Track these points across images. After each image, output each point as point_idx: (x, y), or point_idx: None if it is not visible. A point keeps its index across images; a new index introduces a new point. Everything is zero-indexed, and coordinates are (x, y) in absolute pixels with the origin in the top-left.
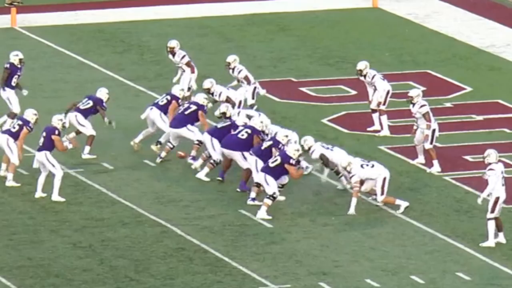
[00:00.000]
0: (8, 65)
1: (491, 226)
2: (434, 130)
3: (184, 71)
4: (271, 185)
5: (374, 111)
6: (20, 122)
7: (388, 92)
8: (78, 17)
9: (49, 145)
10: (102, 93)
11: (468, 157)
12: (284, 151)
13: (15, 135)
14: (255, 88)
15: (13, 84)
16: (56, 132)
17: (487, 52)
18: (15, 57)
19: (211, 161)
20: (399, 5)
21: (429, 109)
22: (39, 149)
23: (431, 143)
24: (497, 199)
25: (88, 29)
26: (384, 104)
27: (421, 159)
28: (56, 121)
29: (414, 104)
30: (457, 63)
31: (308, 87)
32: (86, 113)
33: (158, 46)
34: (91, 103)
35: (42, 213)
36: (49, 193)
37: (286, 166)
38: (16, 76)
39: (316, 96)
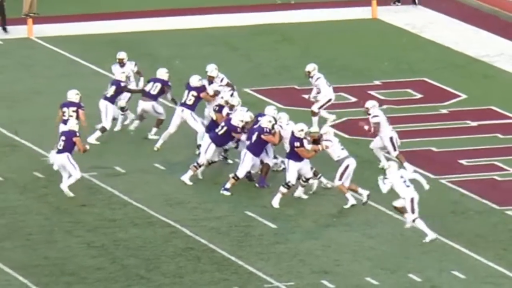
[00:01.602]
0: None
1: (420, 224)
2: (391, 138)
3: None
4: (290, 172)
5: (314, 113)
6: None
7: (329, 100)
8: (92, 27)
9: (70, 147)
10: (163, 73)
11: (463, 161)
12: (292, 136)
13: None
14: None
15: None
16: (77, 134)
17: (481, 61)
18: (122, 75)
19: (195, 163)
20: (397, 16)
21: (383, 119)
22: (60, 152)
23: (394, 150)
24: (412, 199)
25: (101, 39)
26: (320, 108)
27: (383, 162)
28: (74, 125)
29: (370, 115)
30: (453, 71)
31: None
32: (157, 97)
33: (169, 55)
34: (159, 85)
35: (57, 215)
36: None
37: (296, 149)
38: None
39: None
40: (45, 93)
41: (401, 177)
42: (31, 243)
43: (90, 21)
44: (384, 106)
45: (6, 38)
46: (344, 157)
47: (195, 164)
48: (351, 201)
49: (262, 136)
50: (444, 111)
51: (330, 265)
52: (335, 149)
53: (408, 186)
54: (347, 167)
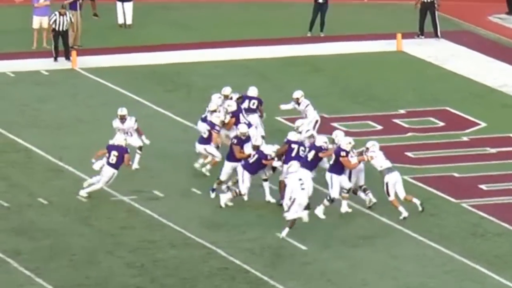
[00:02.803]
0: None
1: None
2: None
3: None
4: (334, 188)
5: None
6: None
7: (316, 121)
8: (133, 59)
9: (119, 164)
10: (255, 91)
11: (482, 186)
12: (337, 147)
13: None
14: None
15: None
16: (128, 151)
17: (500, 91)
18: (123, 141)
19: (237, 190)
20: (421, 49)
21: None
22: (111, 165)
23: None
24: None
25: (141, 70)
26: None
27: None
28: (122, 140)
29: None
30: (473, 101)
31: (339, 122)
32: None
33: (204, 85)
34: (256, 102)
35: (99, 236)
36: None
37: (341, 159)
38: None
39: (347, 130)
40: (88, 121)
41: (300, 179)
42: (73, 263)
43: (131, 53)
44: (409, 134)
45: (52, 69)
46: (386, 168)
47: (236, 190)
48: (404, 213)
49: (320, 154)
50: (465, 138)
51: (357, 284)
52: (379, 160)
53: (303, 189)
54: (387, 183)
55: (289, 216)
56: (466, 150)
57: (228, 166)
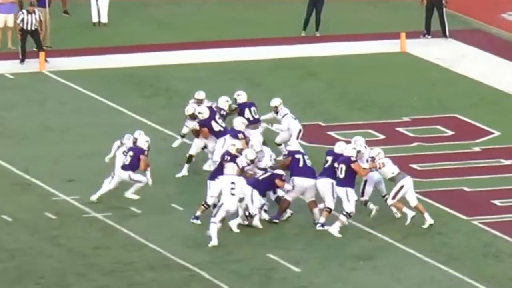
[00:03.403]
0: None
1: (213, 228)
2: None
3: None
4: (351, 202)
5: (279, 144)
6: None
7: (300, 131)
8: (106, 61)
9: (135, 165)
10: (244, 96)
11: (496, 202)
12: (343, 156)
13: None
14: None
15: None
16: (145, 152)
17: None
18: (225, 103)
19: (247, 213)
20: (427, 50)
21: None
22: (124, 168)
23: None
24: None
25: (117, 73)
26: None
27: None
28: (144, 142)
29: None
30: (485, 107)
31: (336, 131)
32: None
33: (186, 90)
34: (255, 109)
35: (70, 257)
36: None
37: (352, 165)
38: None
39: (345, 140)
40: (57, 130)
41: (232, 183)
42: (41, 287)
43: (106, 54)
44: (414, 144)
45: (18, 72)
46: (398, 174)
47: (248, 214)
48: (410, 214)
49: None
50: (477, 148)
51: None
52: (390, 167)
53: (232, 195)
54: (402, 187)
55: (214, 220)
56: (478, 161)
57: (215, 186)
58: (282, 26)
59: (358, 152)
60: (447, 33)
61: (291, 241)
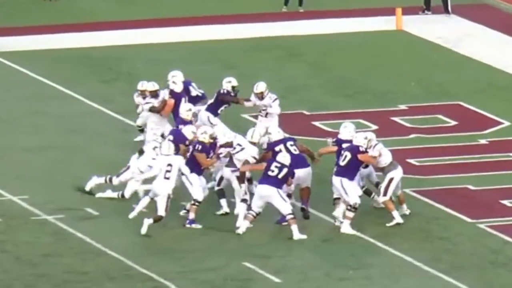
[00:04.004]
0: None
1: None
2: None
3: None
4: (349, 193)
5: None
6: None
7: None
8: (61, 41)
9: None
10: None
11: (506, 202)
12: (351, 144)
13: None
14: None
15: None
16: (187, 142)
17: None
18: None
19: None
20: (426, 28)
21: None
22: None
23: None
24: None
25: (71, 54)
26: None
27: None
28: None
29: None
30: (493, 94)
31: (323, 121)
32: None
33: (151, 74)
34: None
35: (17, 266)
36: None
37: (360, 156)
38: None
39: (333, 131)
40: (4, 119)
41: (169, 165)
42: None
43: (58, 33)
44: (412, 135)
45: None
46: (391, 163)
47: (251, 213)
48: (397, 219)
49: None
50: (483, 141)
51: None
52: (385, 158)
53: (166, 179)
54: (391, 179)
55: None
56: (485, 156)
57: (197, 181)
58: (260, 0)
59: (369, 141)
60: (449, 9)
61: (270, 248)
